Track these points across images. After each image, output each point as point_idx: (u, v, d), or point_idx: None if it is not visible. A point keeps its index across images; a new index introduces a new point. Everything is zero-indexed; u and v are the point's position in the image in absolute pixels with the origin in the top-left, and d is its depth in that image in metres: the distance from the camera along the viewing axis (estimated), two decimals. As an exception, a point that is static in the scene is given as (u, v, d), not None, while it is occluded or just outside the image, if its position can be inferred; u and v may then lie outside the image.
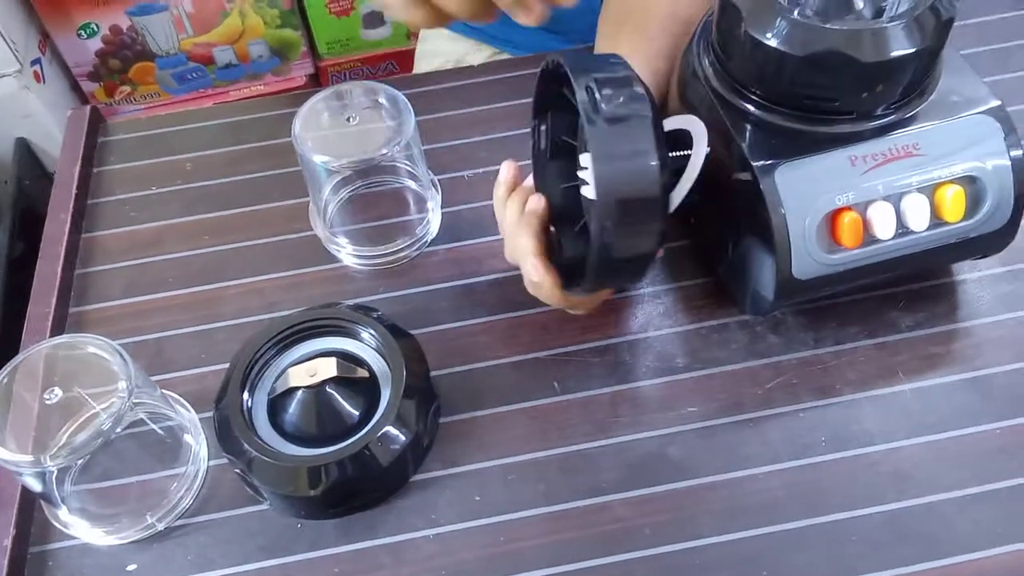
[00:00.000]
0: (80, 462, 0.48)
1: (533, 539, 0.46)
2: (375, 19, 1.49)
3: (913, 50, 0.44)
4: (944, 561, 0.44)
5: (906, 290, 0.54)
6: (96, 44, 1.39)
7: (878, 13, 0.45)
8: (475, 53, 0.94)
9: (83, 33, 1.37)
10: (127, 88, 1.47)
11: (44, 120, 1.34)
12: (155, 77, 1.45)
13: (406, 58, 1.34)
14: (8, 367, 0.44)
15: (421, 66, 0.95)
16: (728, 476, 0.48)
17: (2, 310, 1.19)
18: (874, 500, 0.46)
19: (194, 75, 1.49)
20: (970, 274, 0.54)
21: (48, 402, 0.43)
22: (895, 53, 0.43)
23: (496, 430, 0.50)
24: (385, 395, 0.49)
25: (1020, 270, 0.54)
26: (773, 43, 0.45)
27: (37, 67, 1.34)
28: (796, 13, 0.45)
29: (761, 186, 0.46)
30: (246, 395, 0.48)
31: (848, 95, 0.45)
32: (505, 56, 0.89)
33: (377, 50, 1.50)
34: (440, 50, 0.96)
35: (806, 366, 0.51)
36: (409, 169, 0.59)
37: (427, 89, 0.68)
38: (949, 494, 0.46)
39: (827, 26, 0.44)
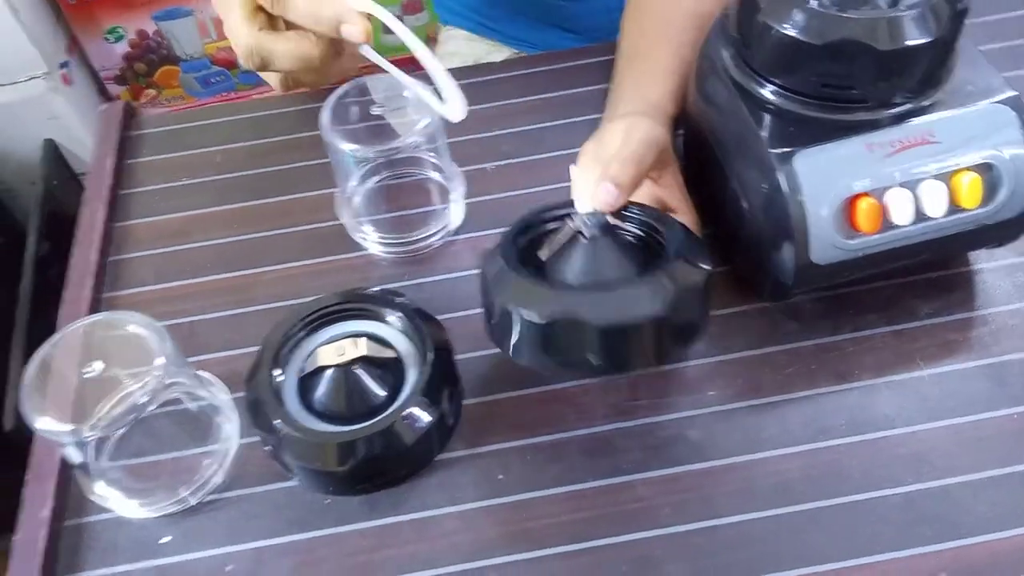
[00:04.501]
0: (117, 434, 0.49)
1: (554, 517, 0.47)
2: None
3: (928, 39, 0.45)
4: (961, 542, 0.45)
5: (924, 278, 0.55)
6: (123, 48, 1.42)
7: (893, 3, 0.46)
8: (494, 54, 0.96)
9: (110, 37, 1.40)
10: (152, 91, 1.49)
11: (71, 122, 1.37)
12: (179, 81, 1.48)
13: (424, 62, 1.36)
14: (49, 342, 0.46)
15: (440, 66, 0.96)
16: (747, 458, 0.49)
17: (30, 307, 1.22)
18: (892, 482, 0.47)
19: (217, 79, 1.52)
20: (987, 263, 0.55)
21: (87, 376, 0.45)
22: (910, 42, 0.45)
23: (517, 412, 0.51)
24: (411, 376, 0.50)
25: (1035, 260, 0.55)
26: (791, 32, 0.46)
27: (65, 70, 1.37)
28: (813, 2, 0.46)
29: (779, 173, 0.47)
30: (277, 373, 0.49)
31: (865, 83, 0.46)
32: (524, 55, 0.91)
33: (395, 55, 1.52)
34: (459, 51, 0.98)
35: (824, 352, 0.52)
36: (434, 161, 0.60)
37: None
38: (966, 477, 0.47)
39: (845, 15, 0.45)
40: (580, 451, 0.50)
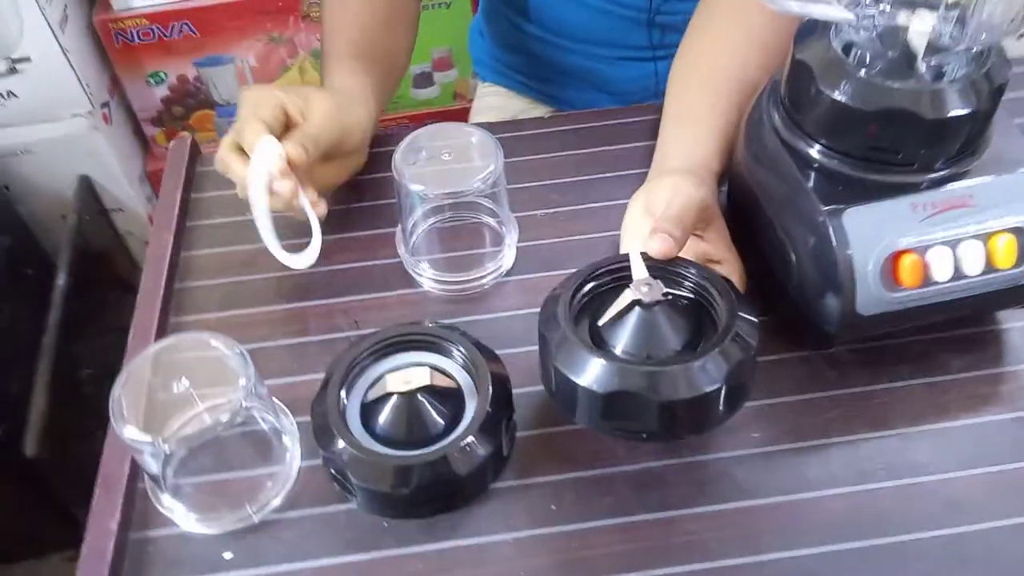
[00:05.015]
0: (186, 450, 0.51)
1: (605, 547, 0.49)
2: (424, 79, 1.57)
3: (969, 110, 0.48)
4: (998, 583, 0.47)
5: (954, 335, 0.57)
6: (163, 91, 1.47)
7: (938, 76, 0.50)
8: (532, 111, 1.00)
9: (152, 81, 1.45)
10: (187, 134, 1.53)
11: (107, 160, 1.41)
12: (214, 124, 1.53)
13: (452, 117, 1.41)
14: (141, 356, 0.48)
15: (477, 120, 1.01)
16: (790, 498, 0.51)
17: (56, 337, 1.24)
18: (931, 525, 0.49)
19: (250, 124, 1.56)
20: (1016, 323, 0.58)
21: (173, 391, 0.47)
22: (953, 112, 0.48)
23: (568, 446, 0.54)
24: (470, 407, 0.52)
25: (1060, 320, 0.58)
26: (843, 99, 0.49)
27: (106, 110, 1.41)
28: (863, 72, 0.50)
29: (831, 229, 0.50)
30: (343, 395, 0.51)
31: (910, 148, 0.50)
32: (565, 112, 0.95)
33: (425, 108, 1.58)
34: (495, 106, 1.03)
35: (862, 400, 0.55)
36: (490, 207, 0.63)
37: (498, 136, 0.74)
38: (1002, 522, 0.49)
39: (895, 85, 0.48)
40: (629, 485, 0.52)
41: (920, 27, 0.49)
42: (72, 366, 1.25)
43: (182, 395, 0.51)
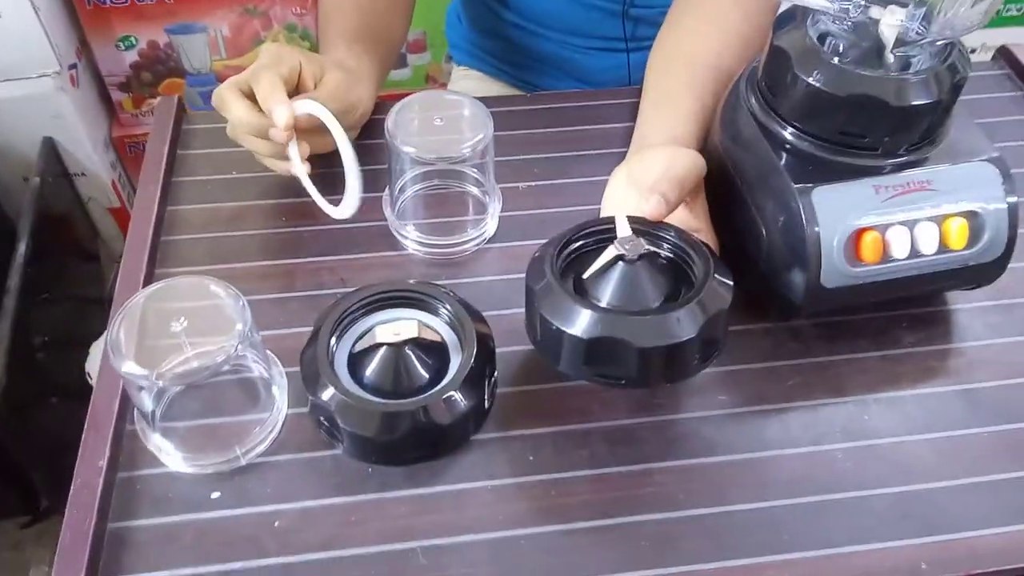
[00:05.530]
0: (178, 391, 0.52)
1: (580, 495, 0.52)
2: (398, 60, 1.58)
3: (930, 101, 0.52)
4: (942, 537, 0.51)
5: (908, 313, 0.62)
6: (132, 56, 1.45)
7: (904, 67, 0.54)
8: (507, 95, 1.02)
9: (121, 45, 1.44)
10: (154, 101, 1.52)
11: (72, 122, 1.39)
12: (184, 93, 1.52)
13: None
14: (141, 294, 0.49)
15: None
16: (752, 455, 0.54)
17: (16, 302, 1.22)
18: (881, 484, 0.53)
19: (220, 95, 1.55)
20: (964, 304, 0.62)
21: (172, 330, 0.49)
22: (916, 101, 0.52)
23: (546, 402, 0.56)
24: (455, 361, 0.54)
25: (1006, 304, 0.62)
26: (816, 84, 0.53)
27: (73, 72, 1.39)
28: (836, 60, 0.53)
29: (801, 206, 0.54)
30: (333, 343, 0.53)
31: (875, 133, 0.53)
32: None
33: (396, 90, 1.59)
34: (470, 89, 1.04)
35: (822, 369, 0.58)
36: (477, 176, 0.66)
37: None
38: (945, 483, 0.53)
39: (864, 73, 0.52)
40: (604, 440, 0.55)
41: (890, 21, 0.52)
42: (27, 333, 1.24)
43: (176, 336, 0.52)
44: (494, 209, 0.66)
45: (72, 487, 0.50)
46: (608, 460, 0.54)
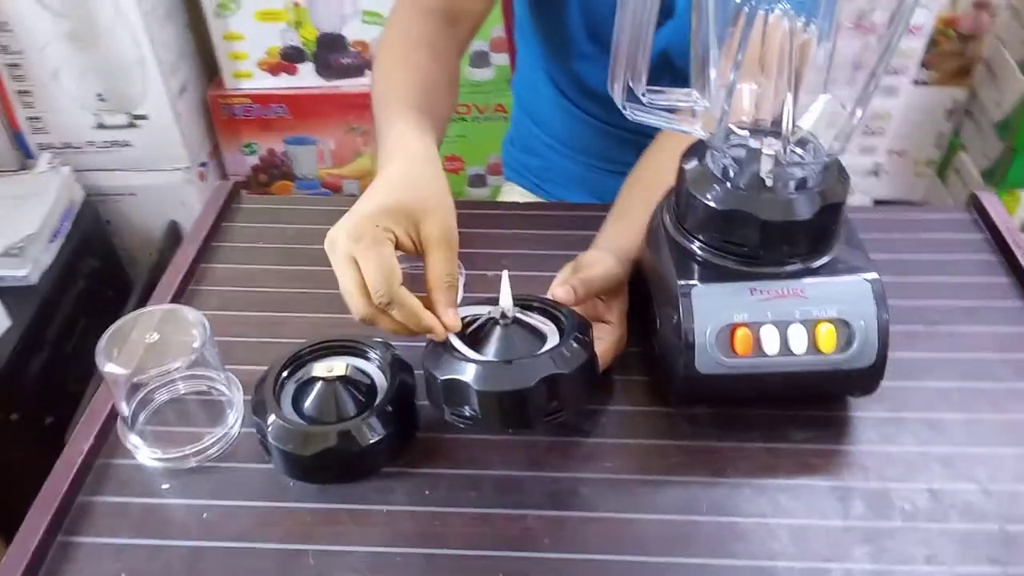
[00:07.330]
0: (155, 403, 0.65)
1: (458, 527, 0.60)
2: (478, 180, 1.76)
3: (799, 219, 0.60)
4: (771, 609, 0.55)
5: (807, 414, 0.66)
6: (253, 160, 1.70)
7: (789, 188, 0.62)
8: (540, 207, 1.15)
9: (245, 150, 1.69)
10: (267, 198, 1.76)
11: (195, 211, 1.63)
12: (292, 193, 1.75)
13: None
14: (131, 315, 0.64)
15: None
16: (621, 515, 0.60)
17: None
18: (738, 556, 0.57)
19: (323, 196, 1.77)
20: (862, 413, 0.67)
21: (147, 342, 0.62)
22: (784, 218, 0.60)
23: (455, 450, 0.65)
24: (379, 399, 0.65)
25: (899, 418, 0.66)
26: (704, 200, 0.62)
27: (203, 168, 1.65)
28: (728, 183, 0.62)
29: (681, 301, 0.61)
30: (283, 378, 0.65)
31: (751, 242, 0.61)
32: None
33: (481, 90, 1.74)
34: (516, 198, 1.18)
35: (707, 453, 0.64)
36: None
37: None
38: (795, 564, 0.57)
39: (741, 192, 0.61)
40: (493, 486, 0.62)
41: (767, 151, 0.61)
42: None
43: (164, 346, 0.65)
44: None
45: (57, 461, 0.63)
46: (492, 502, 0.61)
